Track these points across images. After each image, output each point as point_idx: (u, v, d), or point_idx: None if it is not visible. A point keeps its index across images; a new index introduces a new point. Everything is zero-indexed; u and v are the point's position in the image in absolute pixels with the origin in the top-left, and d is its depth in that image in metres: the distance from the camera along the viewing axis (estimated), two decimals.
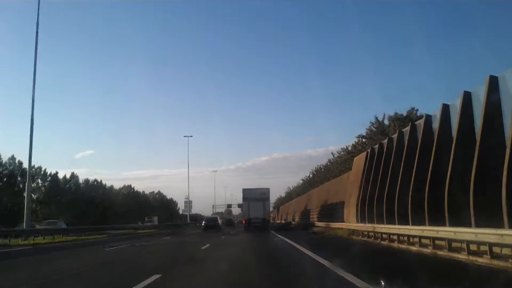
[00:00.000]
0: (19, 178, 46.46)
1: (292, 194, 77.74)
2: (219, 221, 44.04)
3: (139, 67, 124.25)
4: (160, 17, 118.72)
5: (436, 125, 14.14)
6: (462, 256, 9.70)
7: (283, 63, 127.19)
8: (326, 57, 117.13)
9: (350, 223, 22.40)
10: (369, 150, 22.47)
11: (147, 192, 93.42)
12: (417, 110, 29.58)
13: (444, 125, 13.46)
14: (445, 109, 13.63)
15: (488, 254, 8.78)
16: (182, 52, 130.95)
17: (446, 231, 10.65)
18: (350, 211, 23.54)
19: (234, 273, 8.69)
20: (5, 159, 46.08)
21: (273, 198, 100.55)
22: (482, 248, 9.52)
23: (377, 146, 21.06)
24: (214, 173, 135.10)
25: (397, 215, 15.70)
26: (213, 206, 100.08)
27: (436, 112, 14.33)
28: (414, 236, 13.03)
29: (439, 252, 10.87)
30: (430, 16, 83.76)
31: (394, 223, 15.28)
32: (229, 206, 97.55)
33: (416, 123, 16.60)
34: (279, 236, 23.60)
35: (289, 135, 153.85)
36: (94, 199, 60.29)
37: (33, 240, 21.65)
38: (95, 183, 67.86)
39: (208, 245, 16.91)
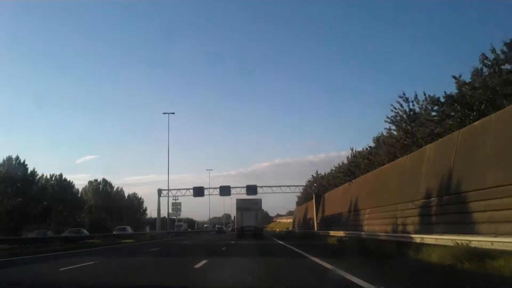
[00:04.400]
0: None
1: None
2: (224, 228, 79.18)
3: (141, 73, 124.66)
4: (162, 22, 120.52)
5: None
6: None
7: (285, 69, 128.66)
8: (328, 63, 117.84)
9: None
10: None
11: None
12: None
13: None
14: None
15: None
16: (183, 58, 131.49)
17: None
18: None
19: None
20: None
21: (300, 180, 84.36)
22: None
23: None
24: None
25: None
26: (160, 190, 57.18)
27: None
28: None
29: None
30: (428, 23, 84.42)
31: None
32: (199, 191, 57.81)
33: None
34: None
35: (290, 140, 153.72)
36: None
37: None
38: None
39: None
